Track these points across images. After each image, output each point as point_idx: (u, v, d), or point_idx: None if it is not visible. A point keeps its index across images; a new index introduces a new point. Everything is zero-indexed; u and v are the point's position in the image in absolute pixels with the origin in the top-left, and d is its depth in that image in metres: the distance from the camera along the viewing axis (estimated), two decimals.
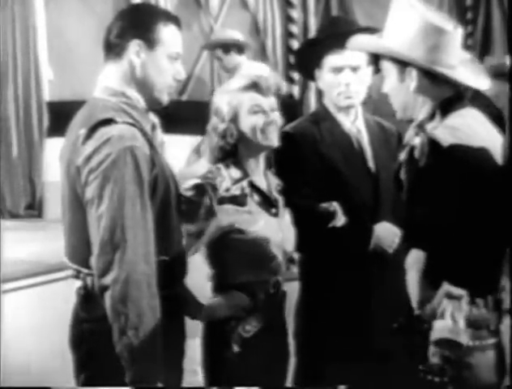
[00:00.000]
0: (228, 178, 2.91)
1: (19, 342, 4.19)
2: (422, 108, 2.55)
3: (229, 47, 6.34)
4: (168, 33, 2.57)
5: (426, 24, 2.50)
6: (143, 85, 2.56)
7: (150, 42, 2.54)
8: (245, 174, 2.95)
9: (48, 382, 3.50)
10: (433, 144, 2.36)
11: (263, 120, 2.92)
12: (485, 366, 2.44)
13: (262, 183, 3.00)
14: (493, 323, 2.46)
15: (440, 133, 2.39)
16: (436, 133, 2.39)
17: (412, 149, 2.41)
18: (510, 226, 2.41)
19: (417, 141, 2.40)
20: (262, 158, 3.01)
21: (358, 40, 2.72)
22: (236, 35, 6.45)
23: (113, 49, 2.57)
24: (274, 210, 2.99)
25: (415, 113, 2.57)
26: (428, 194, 2.40)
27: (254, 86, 2.93)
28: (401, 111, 2.61)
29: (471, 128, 2.46)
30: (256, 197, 2.95)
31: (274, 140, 2.95)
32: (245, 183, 2.93)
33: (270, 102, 2.95)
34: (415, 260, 2.45)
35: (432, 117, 2.52)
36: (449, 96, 2.53)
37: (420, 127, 2.49)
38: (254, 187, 2.96)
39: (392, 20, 2.57)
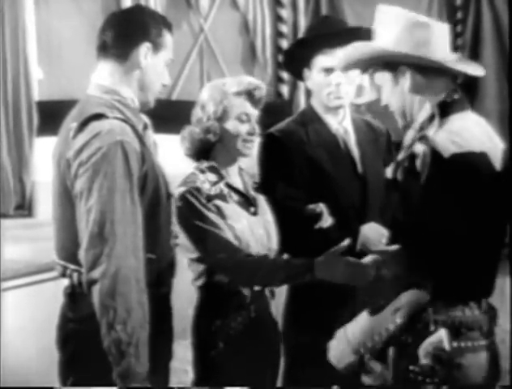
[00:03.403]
0: (206, 181, 2.94)
1: (10, 342, 4.18)
2: (420, 110, 2.55)
3: None
4: (168, 39, 2.62)
5: (411, 21, 2.52)
6: (142, 87, 2.59)
7: (157, 46, 2.59)
8: (221, 177, 2.98)
9: (40, 382, 3.49)
10: (434, 154, 2.36)
11: (247, 129, 2.95)
12: (477, 367, 2.43)
13: (238, 184, 3.04)
14: (486, 325, 2.47)
15: (441, 141, 2.38)
16: (437, 141, 2.38)
17: (413, 157, 2.41)
18: (506, 229, 2.43)
19: (418, 149, 2.40)
20: (237, 161, 3.04)
21: (345, 56, 2.70)
22: None
23: (110, 48, 2.57)
24: (252, 209, 3.02)
25: (413, 114, 2.57)
26: (428, 203, 2.39)
27: (248, 94, 2.96)
28: (401, 116, 2.60)
29: (470, 131, 2.45)
30: (235, 197, 2.98)
31: (250, 151, 3.00)
32: (222, 185, 2.96)
33: (256, 114, 2.98)
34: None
35: (431, 119, 2.51)
36: (446, 99, 2.52)
37: (421, 131, 2.49)
38: (232, 188, 2.99)
39: (377, 26, 2.59)
